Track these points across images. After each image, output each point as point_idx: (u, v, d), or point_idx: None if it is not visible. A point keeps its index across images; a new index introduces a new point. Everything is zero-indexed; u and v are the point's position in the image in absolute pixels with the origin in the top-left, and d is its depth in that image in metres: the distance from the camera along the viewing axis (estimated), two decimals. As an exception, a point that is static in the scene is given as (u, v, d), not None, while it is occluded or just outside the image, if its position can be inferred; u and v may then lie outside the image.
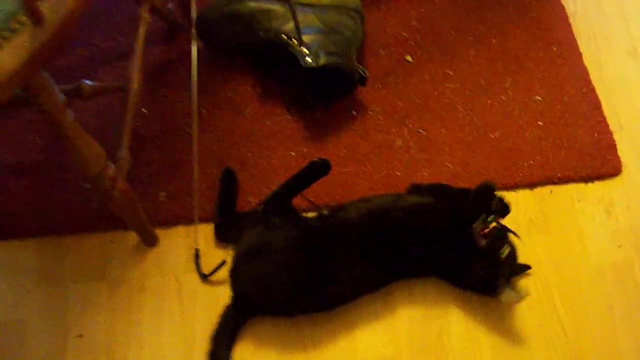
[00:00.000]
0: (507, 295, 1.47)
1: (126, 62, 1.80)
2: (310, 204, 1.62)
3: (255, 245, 1.52)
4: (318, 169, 1.55)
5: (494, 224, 1.47)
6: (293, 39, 1.65)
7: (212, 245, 1.61)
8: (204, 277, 1.57)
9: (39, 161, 1.71)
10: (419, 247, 1.50)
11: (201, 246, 1.60)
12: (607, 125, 1.74)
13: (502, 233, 1.48)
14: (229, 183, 1.64)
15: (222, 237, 1.61)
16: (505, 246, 1.46)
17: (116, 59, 1.83)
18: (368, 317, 1.54)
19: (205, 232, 1.61)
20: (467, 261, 1.49)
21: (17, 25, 1.11)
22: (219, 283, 1.57)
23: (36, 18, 1.08)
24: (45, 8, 1.08)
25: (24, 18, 1.11)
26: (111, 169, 1.39)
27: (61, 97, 1.24)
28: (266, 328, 1.53)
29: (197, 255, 1.59)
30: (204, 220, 1.62)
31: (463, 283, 1.54)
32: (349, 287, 1.49)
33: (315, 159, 1.55)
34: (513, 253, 1.48)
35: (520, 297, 1.46)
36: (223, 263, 1.55)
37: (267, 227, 1.53)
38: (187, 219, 1.62)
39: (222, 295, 1.54)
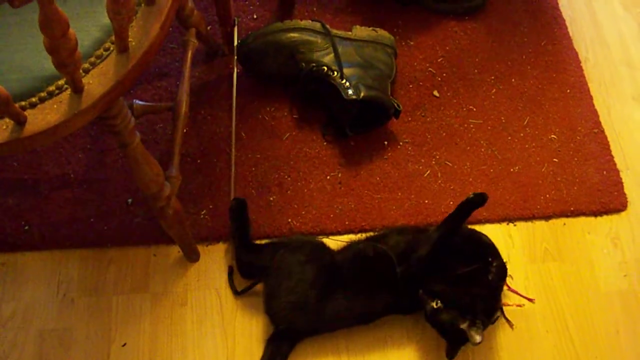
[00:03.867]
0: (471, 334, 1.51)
1: (164, 82, 1.90)
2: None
3: (275, 274, 1.59)
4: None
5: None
6: (334, 71, 1.74)
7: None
8: (237, 294, 1.65)
9: (83, 175, 1.77)
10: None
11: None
12: (615, 164, 1.88)
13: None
14: (241, 215, 1.68)
15: (246, 273, 1.66)
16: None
17: (155, 79, 1.90)
18: (399, 333, 1.64)
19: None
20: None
21: (103, 52, 1.18)
22: (259, 297, 1.64)
23: (123, 46, 1.15)
24: (130, 37, 1.16)
25: (110, 45, 1.19)
26: (167, 188, 1.47)
27: (132, 121, 1.31)
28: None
29: (230, 272, 1.67)
30: (242, 238, 1.70)
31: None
32: (385, 305, 1.59)
33: None
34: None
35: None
36: (257, 282, 1.64)
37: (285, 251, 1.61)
38: (227, 237, 1.70)
39: (262, 309, 1.63)
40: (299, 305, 1.55)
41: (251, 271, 1.65)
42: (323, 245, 1.65)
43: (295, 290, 1.55)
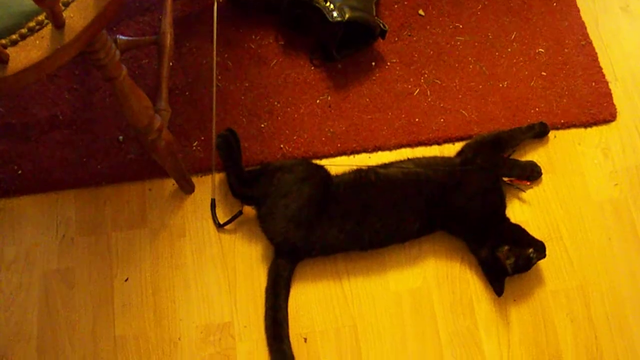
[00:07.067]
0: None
1: (146, 17, 1.87)
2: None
3: (273, 194, 1.60)
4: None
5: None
6: (318, -5, 1.72)
7: (230, 194, 1.68)
8: (220, 227, 1.66)
9: (71, 116, 1.76)
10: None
11: (222, 195, 1.70)
12: (604, 76, 1.88)
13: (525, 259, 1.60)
14: (229, 150, 1.64)
15: (244, 200, 1.67)
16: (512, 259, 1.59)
17: (137, 14, 1.88)
18: (397, 255, 1.67)
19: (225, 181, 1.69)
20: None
21: (83, -16, 1.15)
22: (256, 223, 1.65)
23: (101, -25, 1.12)
24: (109, -35, 1.14)
25: (88, -25, 1.16)
26: (158, 121, 1.46)
27: (117, 54, 1.29)
28: (304, 261, 1.64)
29: (213, 205, 1.68)
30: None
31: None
32: (383, 233, 1.62)
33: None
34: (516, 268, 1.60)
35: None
36: (239, 213, 1.65)
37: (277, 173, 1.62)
38: (221, 167, 1.70)
39: (260, 237, 1.65)
40: (294, 220, 1.56)
41: (249, 200, 1.66)
42: (319, 166, 1.66)
43: (292, 207, 1.57)
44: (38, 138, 1.73)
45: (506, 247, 1.57)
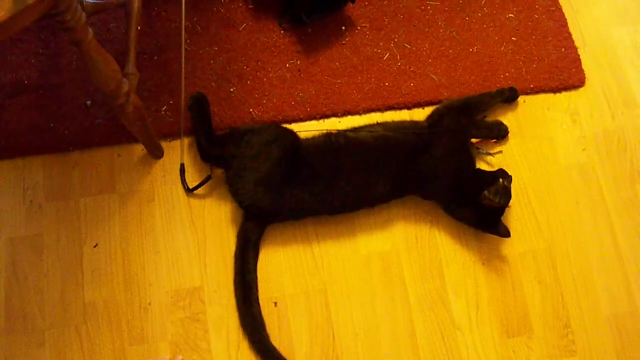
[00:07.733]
0: None
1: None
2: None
3: (242, 156, 1.59)
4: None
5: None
6: (287, -42, 1.70)
7: (199, 159, 1.68)
8: (189, 191, 1.66)
9: (38, 80, 1.73)
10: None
11: (191, 160, 1.69)
12: (573, 42, 1.89)
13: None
14: (200, 111, 1.66)
15: (214, 163, 1.67)
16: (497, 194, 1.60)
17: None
18: (366, 219, 1.68)
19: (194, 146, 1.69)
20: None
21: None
22: (226, 190, 1.65)
23: None
24: None
25: None
26: (126, 85, 1.44)
27: (84, 16, 1.27)
28: (274, 226, 1.64)
29: (182, 170, 1.67)
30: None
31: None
32: (350, 197, 1.62)
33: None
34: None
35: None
36: (209, 178, 1.65)
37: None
38: (190, 131, 1.69)
39: (230, 201, 1.65)
40: (263, 182, 1.56)
41: (218, 161, 1.65)
42: (288, 129, 1.65)
43: (260, 169, 1.56)
44: (3, 103, 1.70)
45: (485, 192, 1.58)
